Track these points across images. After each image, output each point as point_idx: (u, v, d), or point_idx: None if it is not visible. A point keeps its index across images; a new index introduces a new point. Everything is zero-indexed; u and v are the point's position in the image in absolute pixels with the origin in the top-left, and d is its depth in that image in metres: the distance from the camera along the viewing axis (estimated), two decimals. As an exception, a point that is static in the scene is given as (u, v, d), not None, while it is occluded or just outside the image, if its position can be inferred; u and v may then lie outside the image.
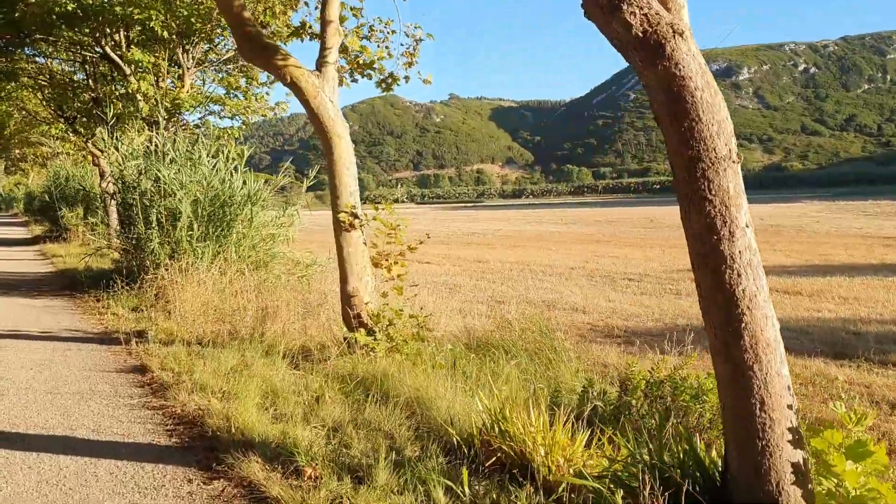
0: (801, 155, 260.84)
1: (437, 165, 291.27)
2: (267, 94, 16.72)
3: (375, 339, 7.26)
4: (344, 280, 7.61)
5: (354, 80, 10.46)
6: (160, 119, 13.36)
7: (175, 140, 12.62)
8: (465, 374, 6.86)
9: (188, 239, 11.77)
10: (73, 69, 22.12)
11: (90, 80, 20.45)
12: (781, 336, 3.47)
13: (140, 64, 14.96)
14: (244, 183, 12.72)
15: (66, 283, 14.46)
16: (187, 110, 14.82)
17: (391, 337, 7.31)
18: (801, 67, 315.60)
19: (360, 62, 9.05)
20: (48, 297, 12.97)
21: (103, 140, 13.05)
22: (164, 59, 15.50)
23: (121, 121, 17.33)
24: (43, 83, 23.25)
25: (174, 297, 10.73)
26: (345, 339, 7.41)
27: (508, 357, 7.59)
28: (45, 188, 31.09)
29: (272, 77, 16.66)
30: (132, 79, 15.62)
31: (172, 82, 16.73)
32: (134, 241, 12.29)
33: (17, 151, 35.63)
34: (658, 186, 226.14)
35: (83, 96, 22.28)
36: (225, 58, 16.98)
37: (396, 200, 8.10)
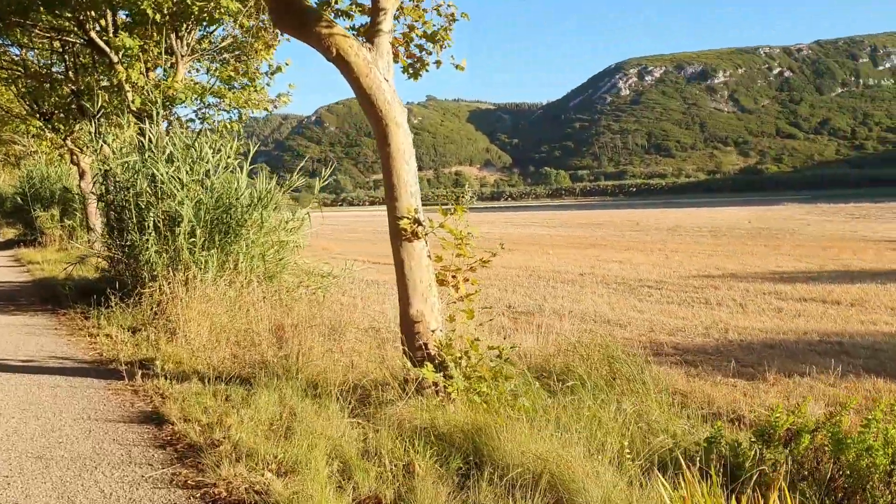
0: (776, 158, 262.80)
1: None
2: (268, 84, 15.19)
3: (447, 377, 5.82)
4: (405, 302, 6.15)
5: (414, 70, 8.83)
6: (154, 111, 11.78)
7: (173, 134, 11.08)
8: (555, 421, 5.46)
9: (190, 247, 10.24)
10: (50, 60, 20.38)
11: (70, 72, 18.76)
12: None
13: (129, 51, 13.36)
14: (250, 183, 11.24)
15: (47, 296, 12.85)
16: (182, 102, 13.24)
17: (466, 374, 5.88)
18: (775, 71, 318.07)
19: (419, 34, 7.58)
20: (27, 313, 11.37)
21: (89, 134, 11.47)
22: (155, 45, 13.90)
23: (107, 115, 15.70)
24: (17, 75, 21.50)
25: (178, 316, 9.21)
26: (406, 376, 5.97)
27: (586, 390, 6.25)
28: (18, 189, 29.22)
29: (273, 67, 15.16)
30: (119, 67, 14.00)
31: (164, 71, 15.15)
32: (126, 249, 10.75)
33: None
34: (635, 189, 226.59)
35: (62, 89, 20.57)
36: (221, 46, 15.40)
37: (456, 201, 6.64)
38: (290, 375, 6.47)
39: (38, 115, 21.21)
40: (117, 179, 11.06)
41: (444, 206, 6.37)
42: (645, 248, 36.93)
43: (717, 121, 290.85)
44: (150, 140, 11.70)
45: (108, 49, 14.15)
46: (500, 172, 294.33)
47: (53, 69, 20.32)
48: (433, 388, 5.96)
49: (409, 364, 5.92)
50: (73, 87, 18.64)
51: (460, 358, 5.96)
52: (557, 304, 17.64)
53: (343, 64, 6.21)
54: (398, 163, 6.28)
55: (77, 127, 21.53)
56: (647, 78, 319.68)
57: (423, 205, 6.32)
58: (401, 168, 6.29)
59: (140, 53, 13.75)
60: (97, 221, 22.01)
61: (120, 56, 14.19)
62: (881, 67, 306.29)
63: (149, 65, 14.65)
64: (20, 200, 27.25)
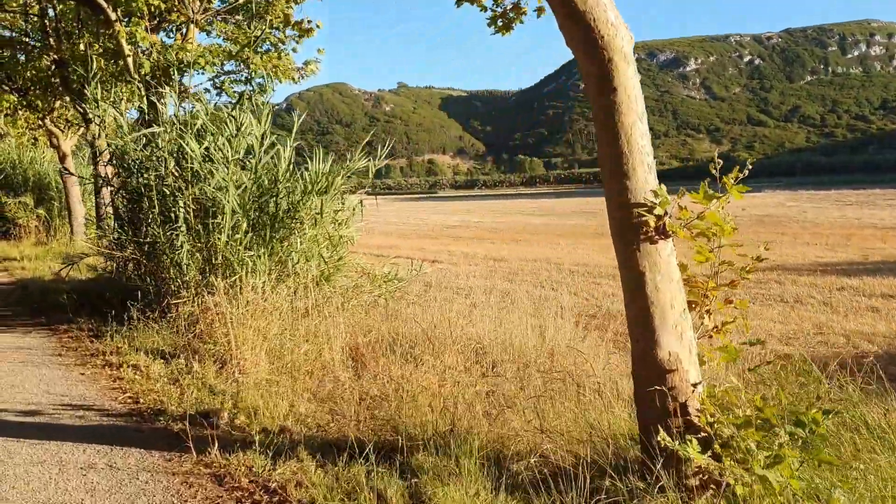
0: (748, 145, 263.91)
1: (387, 156, 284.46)
2: (294, 50, 12.74)
3: (723, 462, 3.64)
4: (647, 337, 3.92)
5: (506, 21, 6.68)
6: (173, 73, 9.39)
7: (197, 102, 8.69)
8: None
9: (234, 244, 7.91)
10: (25, 27, 17.67)
11: (51, 38, 16.15)
12: None
13: (133, 4, 10.89)
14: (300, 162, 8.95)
15: (36, 303, 10.39)
16: (202, 68, 10.82)
17: (750, 453, 3.69)
18: (746, 59, 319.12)
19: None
20: (16, 328, 8.90)
21: (80, 107, 9.05)
22: (162, 1, 11.42)
23: (102, 83, 13.20)
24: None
25: (226, 337, 6.90)
26: (661, 449, 3.75)
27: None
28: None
29: (301, 29, 12.76)
30: (119, 25, 11.51)
31: (169, 35, 12.73)
32: (146, 248, 8.38)
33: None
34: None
35: (39, 61, 17.91)
36: (234, 6, 12.97)
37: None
38: (460, 443, 4.20)
39: (12, 91, 18.52)
40: (132, 159, 8.65)
41: (688, 189, 4.19)
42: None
43: (689, 108, 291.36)
44: (163, 111, 9.33)
45: (104, 4, 11.64)
46: (474, 160, 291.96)
47: (28, 38, 17.64)
48: (698, 476, 3.78)
49: (665, 437, 3.70)
50: (54, 57, 16.03)
51: (742, 428, 3.76)
52: (619, 306, 15.58)
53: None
54: (628, 119, 4.05)
55: (58, 104, 18.89)
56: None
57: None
58: (632, 127, 4.06)
59: (144, 8, 11.27)
60: (78, 212, 19.45)
61: (119, 13, 11.71)
62: (850, 56, 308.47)
63: (152, 25, 12.19)
64: (-11, 188, 24.49)
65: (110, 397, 5.89)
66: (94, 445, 4.74)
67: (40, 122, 19.38)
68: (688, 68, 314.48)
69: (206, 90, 12.44)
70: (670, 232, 3.97)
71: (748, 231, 33.50)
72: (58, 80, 17.28)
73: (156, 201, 8.08)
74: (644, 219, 3.95)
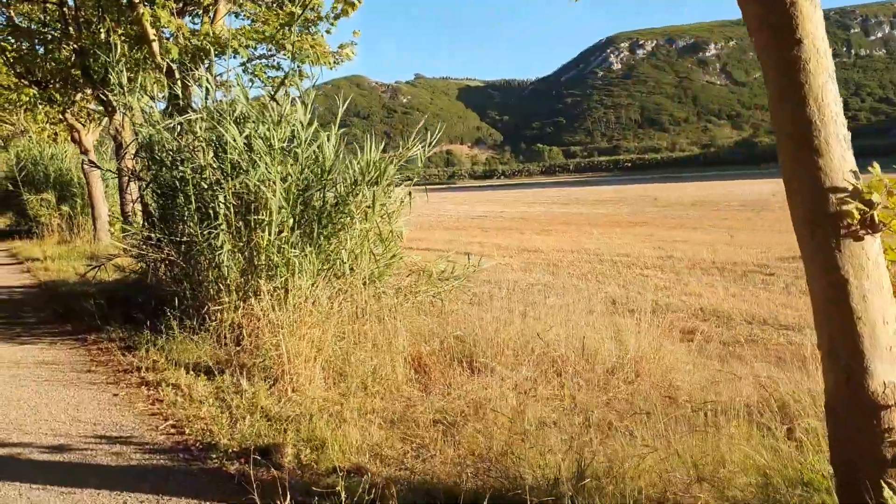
0: (770, 131, 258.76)
1: (405, 147, 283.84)
2: (328, 31, 11.82)
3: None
4: (854, 362, 2.98)
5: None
6: (203, 61, 8.53)
7: (234, 86, 7.81)
8: None
9: (279, 243, 7.04)
10: (43, 17, 16.87)
11: (70, 28, 15.35)
12: None
13: (158, -17, 10.03)
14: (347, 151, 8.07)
15: (62, 310, 9.57)
16: (234, 52, 9.95)
17: None
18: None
19: None
20: (40, 338, 8.07)
21: (120, 85, 8.18)
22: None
23: (128, 72, 12.37)
24: (6, 45, 18.05)
25: (276, 348, 6.04)
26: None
27: None
28: (7, 173, 25.77)
29: (337, 8, 11.83)
30: (143, 8, 10.65)
31: (193, 19, 11.88)
32: (183, 247, 7.53)
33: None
34: (630, 164, 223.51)
35: (59, 53, 17.12)
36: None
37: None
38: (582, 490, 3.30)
39: (31, 84, 17.76)
40: (165, 150, 7.79)
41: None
42: (694, 224, 34.16)
43: (709, 94, 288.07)
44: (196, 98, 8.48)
45: (127, -15, 10.79)
46: (492, 150, 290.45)
47: (47, 28, 16.84)
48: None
49: (893, 497, 2.79)
50: (74, 46, 15.22)
51: None
52: (674, 299, 14.63)
53: None
54: (817, 79, 3.14)
55: (78, 97, 18.11)
56: (638, 52, 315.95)
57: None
58: (823, 90, 3.14)
59: (170, -11, 10.40)
60: (101, 208, 18.70)
61: (143, -6, 10.85)
62: (873, 37, 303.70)
63: (177, 7, 11.33)
64: (10, 186, 23.82)
65: (150, 425, 5.03)
66: (137, 495, 3.88)
67: (61, 117, 18.62)
68: (708, 53, 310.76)
69: (238, 76, 11.54)
70: (880, 225, 3.03)
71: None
72: (78, 71, 16.48)
73: (192, 196, 7.22)
74: (846, 207, 3.02)
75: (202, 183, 7.27)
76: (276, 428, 4.78)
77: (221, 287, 7.22)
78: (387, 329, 6.56)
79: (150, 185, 8.27)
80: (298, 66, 10.97)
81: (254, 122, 7.39)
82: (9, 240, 21.79)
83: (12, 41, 17.68)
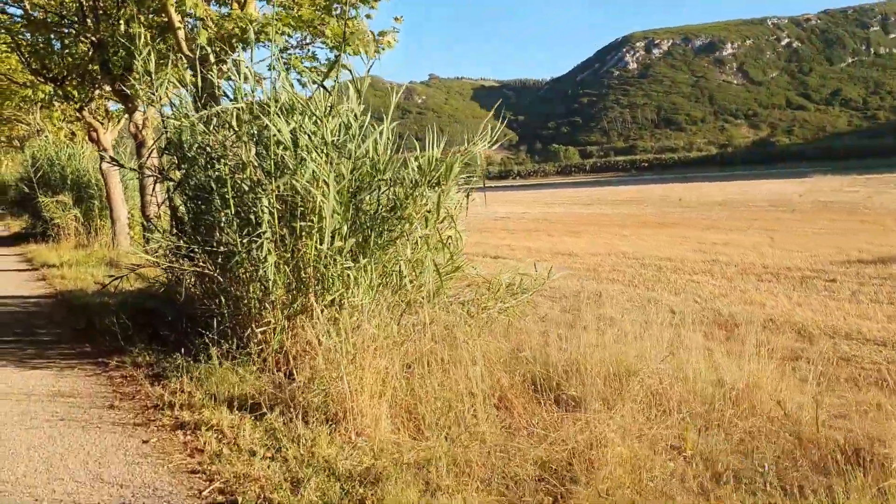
0: (787, 130, 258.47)
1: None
2: (368, 16, 10.80)
3: None
4: None
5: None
6: (234, 49, 7.55)
7: (283, 72, 6.79)
8: None
9: (332, 253, 6.06)
10: (59, 10, 15.94)
11: (88, 19, 14.43)
12: None
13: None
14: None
15: (81, 326, 8.58)
16: (269, 39, 8.93)
17: None
18: (784, 42, 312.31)
19: None
20: (55, 361, 7.07)
21: (147, 73, 7.21)
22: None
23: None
24: (21, 40, 17.19)
25: (333, 382, 5.06)
26: None
27: None
28: (23, 175, 24.96)
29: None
30: (168, -7, 9.69)
31: (220, 6, 10.91)
32: (220, 258, 6.54)
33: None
34: (647, 164, 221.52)
35: (76, 47, 16.25)
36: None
37: None
38: None
39: (47, 81, 16.89)
40: (199, 146, 6.80)
41: None
42: (727, 226, 33.05)
43: (726, 93, 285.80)
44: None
45: (151, -32, 9.83)
46: (507, 150, 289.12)
47: (64, 19, 15.93)
48: None
49: None
50: (93, 39, 14.30)
51: None
52: (736, 308, 13.55)
53: None
54: None
55: (96, 93, 17.22)
56: (654, 51, 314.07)
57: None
58: None
59: (198, -29, 9.43)
60: (120, 211, 17.79)
61: (167, -22, 9.89)
62: (893, 35, 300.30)
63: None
64: (26, 188, 22.98)
65: (191, 489, 4.02)
66: None
67: (78, 115, 17.73)
68: (724, 53, 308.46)
69: (276, 63, 10.53)
70: None
71: (831, 218, 31.20)
72: (96, 66, 15.59)
73: (231, 199, 6.24)
74: None
75: (242, 184, 6.29)
76: (350, 495, 3.79)
77: (266, 305, 6.24)
78: (461, 355, 5.55)
79: (180, 186, 7.30)
80: (338, 55, 9.93)
81: (301, 113, 6.41)
82: (24, 243, 20.94)
83: (27, 36, 16.83)
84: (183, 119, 6.71)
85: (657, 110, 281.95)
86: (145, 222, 11.17)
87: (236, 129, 6.45)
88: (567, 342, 6.29)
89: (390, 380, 5.23)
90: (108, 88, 17.07)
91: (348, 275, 6.06)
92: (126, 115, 15.18)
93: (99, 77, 16.42)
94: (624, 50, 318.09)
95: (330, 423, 4.92)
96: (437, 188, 6.75)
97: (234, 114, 6.49)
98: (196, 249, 6.53)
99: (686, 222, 35.92)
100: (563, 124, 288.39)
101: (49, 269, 14.09)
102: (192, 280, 7.42)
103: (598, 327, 7.03)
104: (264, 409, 5.10)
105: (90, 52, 15.07)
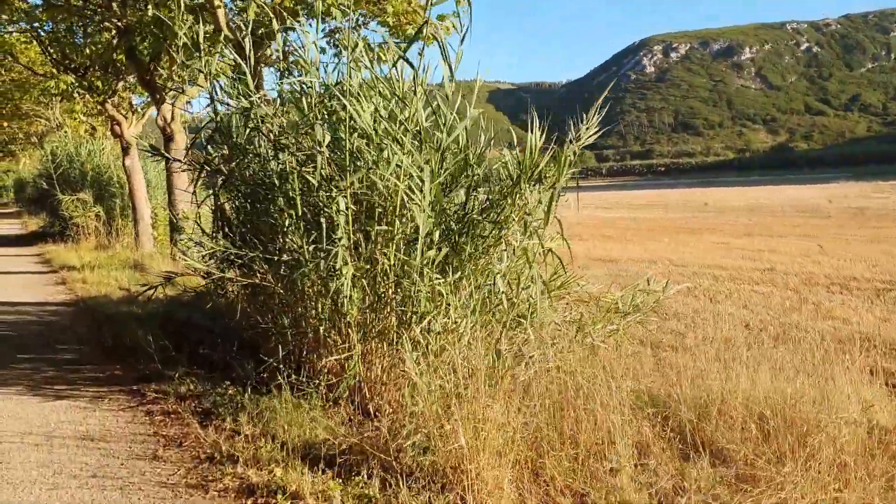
0: (806, 135, 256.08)
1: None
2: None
3: None
4: None
5: None
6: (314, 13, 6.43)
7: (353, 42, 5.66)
8: None
9: (425, 265, 4.93)
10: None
11: (114, 2, 13.38)
12: None
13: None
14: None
15: (111, 343, 7.45)
16: (325, 14, 7.82)
17: None
18: (803, 47, 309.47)
19: None
20: (82, 390, 5.91)
21: (196, 46, 6.12)
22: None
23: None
24: (41, 27, 16.19)
25: (439, 431, 3.95)
26: None
27: None
28: (42, 172, 23.98)
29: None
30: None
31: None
32: (282, 268, 5.42)
33: (5, 124, 28.16)
34: (663, 168, 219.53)
35: (99, 35, 15.22)
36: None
37: None
38: None
39: (67, 71, 15.86)
40: (256, 134, 5.68)
41: None
42: (766, 231, 31.79)
43: (744, 98, 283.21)
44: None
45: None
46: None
47: (87, 5, 14.87)
48: None
49: None
50: (118, 25, 13.26)
51: None
52: (817, 323, 12.37)
53: None
54: None
55: (120, 85, 16.19)
56: (672, 55, 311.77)
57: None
58: None
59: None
60: (143, 210, 16.74)
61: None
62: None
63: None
64: (45, 185, 21.97)
65: None
66: None
67: (100, 108, 16.69)
68: (742, 57, 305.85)
69: (322, 50, 9.43)
70: None
71: (875, 225, 29.87)
72: (121, 55, 14.56)
73: (297, 198, 5.12)
74: None
75: (312, 179, 5.16)
76: None
77: (338, 326, 5.12)
78: (597, 395, 4.41)
79: (227, 182, 6.20)
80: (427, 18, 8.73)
81: (380, 95, 5.30)
82: (41, 243, 19.94)
83: (48, 24, 15.81)
84: (243, 100, 5.58)
85: (674, 114, 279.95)
86: (180, 221, 10.07)
87: (305, 112, 5.33)
88: (704, 376, 5.14)
89: (511, 431, 4.11)
90: (132, 79, 16.06)
91: (443, 292, 4.93)
92: (154, 107, 14.12)
93: (124, 67, 15.41)
94: (641, 53, 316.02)
95: (434, 487, 3.79)
96: (538, 186, 5.62)
97: (304, 93, 5.37)
98: (252, 257, 5.40)
99: (719, 228, 34.66)
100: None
101: (69, 272, 13.03)
102: (238, 291, 6.32)
103: (721, 356, 5.89)
104: (348, 468, 3.98)
105: (115, 40, 14.03)
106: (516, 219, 5.51)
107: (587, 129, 5.88)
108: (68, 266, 13.91)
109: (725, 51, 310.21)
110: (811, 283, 16.65)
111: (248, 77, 5.59)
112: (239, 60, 5.87)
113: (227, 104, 5.91)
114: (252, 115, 5.53)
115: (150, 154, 11.94)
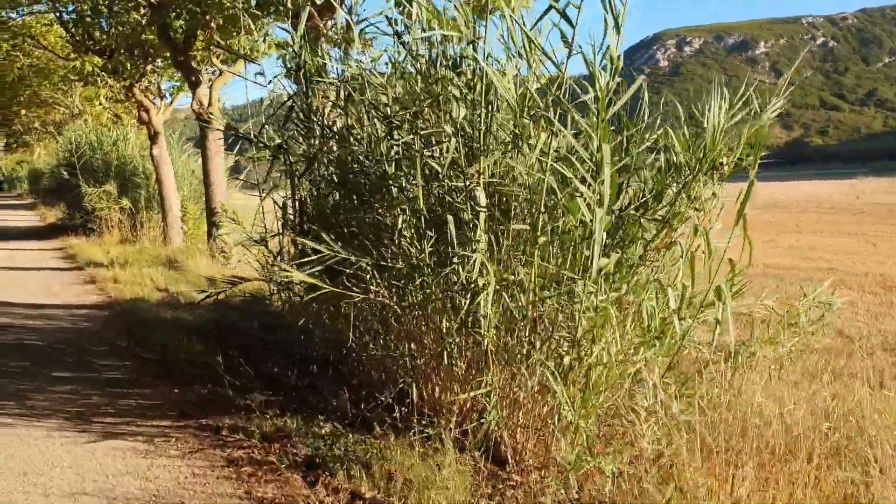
0: (821, 130, 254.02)
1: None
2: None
3: None
4: None
5: None
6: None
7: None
8: None
9: (593, 277, 3.83)
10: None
11: (146, -24, 12.29)
12: None
13: None
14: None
15: (153, 353, 6.37)
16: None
17: None
18: (819, 41, 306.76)
19: None
20: (137, 428, 4.67)
21: (257, 8, 4.98)
22: None
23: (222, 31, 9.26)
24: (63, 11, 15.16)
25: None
26: None
27: None
28: (63, 161, 22.87)
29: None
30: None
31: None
32: (394, 277, 4.31)
33: (23, 112, 27.11)
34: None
35: (127, 14, 14.12)
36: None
37: None
38: None
39: (92, 51, 14.78)
40: (364, 110, 4.54)
41: None
42: (808, 228, 30.76)
43: (758, 93, 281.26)
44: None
45: None
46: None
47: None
48: None
49: None
50: (150, 0, 12.16)
51: None
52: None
53: None
54: None
55: (149, 68, 15.10)
56: (685, 49, 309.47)
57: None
58: None
59: None
60: (172, 202, 15.68)
61: None
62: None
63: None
64: (65, 174, 20.88)
65: None
66: None
67: (126, 93, 15.61)
68: (757, 51, 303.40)
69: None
70: None
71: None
72: (151, 35, 13.49)
73: (419, 190, 4.00)
74: None
75: (436, 166, 4.03)
76: None
77: (466, 353, 4.01)
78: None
79: (310, 169, 5.07)
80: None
81: (522, 56, 4.18)
82: (62, 236, 18.85)
83: (72, 4, 14.77)
84: (351, 66, 4.44)
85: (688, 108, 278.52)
86: (222, 214, 8.98)
87: (423, 82, 4.20)
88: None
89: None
90: (160, 63, 14.99)
91: (609, 310, 3.82)
92: (189, 87, 13.00)
93: (152, 50, 14.32)
94: (654, 47, 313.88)
95: None
96: (714, 175, 4.50)
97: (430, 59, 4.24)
98: (360, 263, 4.27)
99: (754, 225, 33.44)
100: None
101: (98, 270, 11.93)
102: (314, 301, 5.21)
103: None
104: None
105: (145, 17, 12.94)
106: (693, 216, 4.39)
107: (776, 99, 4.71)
108: (96, 262, 12.82)
109: (740, 45, 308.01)
110: (886, 285, 15.55)
111: (355, 35, 4.45)
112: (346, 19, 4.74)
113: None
114: (361, 85, 4.40)
115: (207, 125, 10.76)
